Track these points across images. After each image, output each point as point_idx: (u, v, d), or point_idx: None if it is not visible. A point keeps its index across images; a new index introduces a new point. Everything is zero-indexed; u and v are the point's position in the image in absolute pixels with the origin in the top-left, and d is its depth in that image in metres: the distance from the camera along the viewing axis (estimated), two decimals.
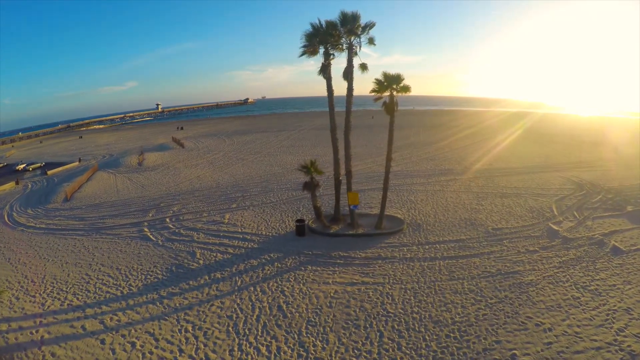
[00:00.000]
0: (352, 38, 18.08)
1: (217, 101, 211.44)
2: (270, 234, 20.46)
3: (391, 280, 14.75)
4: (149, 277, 16.73)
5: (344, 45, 18.32)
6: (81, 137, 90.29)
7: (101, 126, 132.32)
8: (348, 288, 14.43)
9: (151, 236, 21.51)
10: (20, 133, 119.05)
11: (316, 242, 18.86)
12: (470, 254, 16.81)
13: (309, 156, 41.21)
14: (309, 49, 18.33)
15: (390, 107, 18.52)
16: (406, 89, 17.99)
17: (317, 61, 19.08)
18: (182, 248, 19.63)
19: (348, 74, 18.32)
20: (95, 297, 15.30)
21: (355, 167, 35.66)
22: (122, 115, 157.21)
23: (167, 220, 24.13)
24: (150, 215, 25.46)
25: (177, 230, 22.15)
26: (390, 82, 17.93)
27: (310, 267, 16.35)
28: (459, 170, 32.90)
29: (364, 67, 18.46)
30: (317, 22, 18.20)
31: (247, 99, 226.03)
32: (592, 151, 41.33)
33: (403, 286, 14.34)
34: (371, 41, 18.32)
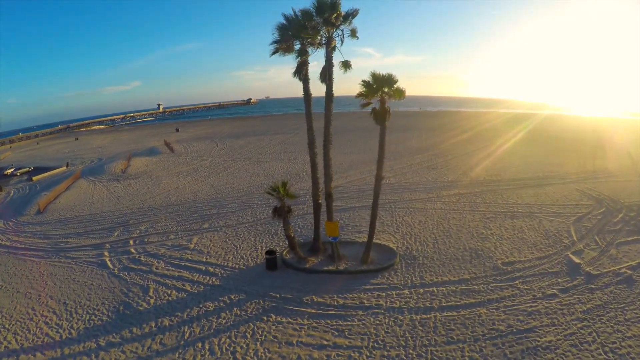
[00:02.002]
0: (331, 30, 14.82)
1: (220, 101, 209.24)
2: (237, 266, 17.48)
3: (371, 343, 11.58)
4: (93, 317, 14.48)
5: (323, 39, 15.14)
6: (77, 138, 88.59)
7: (101, 127, 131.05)
8: (315, 354, 11.33)
9: (109, 262, 19.14)
10: (20, 133, 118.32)
11: (288, 279, 15.80)
12: (475, 302, 13.58)
13: (300, 163, 38.19)
14: (282, 46, 15.07)
15: (380, 114, 15.32)
16: (400, 92, 14.76)
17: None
18: (136, 280, 17.08)
19: (326, 75, 15.09)
20: (33, 340, 13.37)
21: (347, 177, 32.50)
22: (122, 116, 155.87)
23: (131, 242, 21.60)
24: (115, 235, 22.99)
25: (137, 257, 19.57)
26: (380, 84, 14.70)
27: (274, 317, 13.31)
28: (463, 182, 29.50)
29: (346, 65, 15.09)
30: (292, 12, 15.10)
31: (250, 99, 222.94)
32: (605, 158, 37.85)
33: (385, 353, 11.19)
34: (354, 33, 15.02)
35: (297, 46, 15.41)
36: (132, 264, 18.80)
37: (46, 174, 46.57)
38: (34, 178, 44.40)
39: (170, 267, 18.06)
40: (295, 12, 15.05)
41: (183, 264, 18.31)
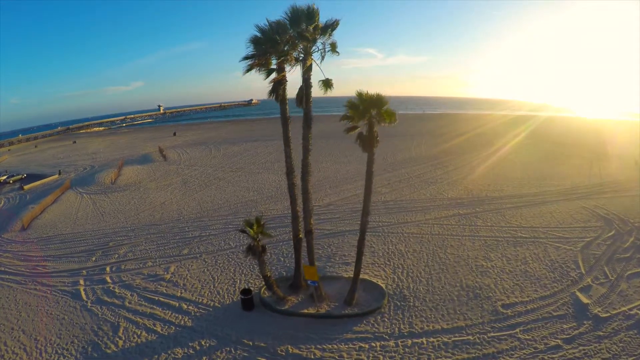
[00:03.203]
0: (307, 45, 13.02)
1: (221, 102, 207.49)
2: (213, 304, 16.11)
3: None
4: (61, 358, 13.66)
5: (301, 55, 13.39)
6: (75, 142, 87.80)
7: (100, 128, 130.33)
8: None
9: (83, 293, 18.13)
10: (20, 135, 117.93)
11: (264, 322, 14.37)
12: (468, 358, 12.08)
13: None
14: (257, 62, 13.13)
15: (368, 141, 13.77)
16: (391, 115, 13.17)
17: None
18: (108, 316, 16.00)
19: (302, 99, 13.52)
20: None
21: (340, 193, 30.50)
22: (122, 117, 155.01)
23: (107, 269, 20.50)
24: (94, 259, 21.92)
25: (111, 287, 18.43)
26: (368, 106, 13.07)
27: None
28: (463, 199, 27.82)
29: (327, 84, 13.34)
30: (267, 23, 13.10)
31: (252, 99, 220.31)
32: (612, 167, 36.31)
33: None
34: (334, 47, 13.19)
35: (274, 61, 13.83)
36: (105, 295, 17.70)
37: (38, 183, 45.78)
38: (25, 187, 43.66)
39: (143, 302, 16.85)
40: (270, 24, 13.11)
41: (157, 298, 17.08)
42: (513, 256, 18.78)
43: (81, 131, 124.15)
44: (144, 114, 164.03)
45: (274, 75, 13.40)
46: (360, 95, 13.22)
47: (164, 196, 33.07)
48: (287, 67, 13.61)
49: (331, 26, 13.23)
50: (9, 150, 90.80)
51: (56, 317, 16.23)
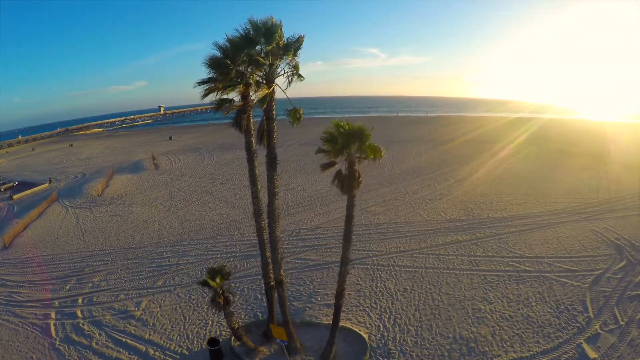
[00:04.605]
0: (265, 70, 10.88)
1: None
2: (180, 350, 14.65)
3: None
4: None
5: (262, 80, 11.09)
6: (72, 145, 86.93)
7: (100, 130, 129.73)
8: None
9: (53, 329, 17.08)
10: (19, 136, 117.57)
11: None
12: None
13: (283, 190, 34.60)
14: (216, 85, 10.80)
15: (348, 180, 11.97)
16: (375, 150, 11.24)
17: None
18: (74, 358, 14.91)
19: (264, 135, 11.75)
20: None
21: (331, 213, 28.18)
22: (122, 118, 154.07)
23: (79, 300, 19.31)
24: (67, 288, 20.72)
25: (81, 324, 17.21)
26: (347, 139, 10.94)
27: None
28: (463, 221, 25.93)
29: (294, 116, 11.35)
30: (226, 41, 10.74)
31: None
32: (620, 178, 34.54)
33: None
34: (297, 69, 11.06)
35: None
36: (74, 333, 16.53)
37: (29, 192, 45.03)
38: (15, 197, 42.83)
39: (109, 343, 15.62)
40: (230, 41, 10.64)
41: (124, 339, 15.79)
42: (515, 296, 17.05)
43: (80, 132, 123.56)
44: (143, 115, 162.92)
45: (232, 104, 11.56)
46: (338, 126, 11.29)
47: (147, 212, 31.61)
48: (251, 92, 11.74)
49: (294, 45, 10.89)
50: (6, 152, 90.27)
51: (25, 356, 15.34)
